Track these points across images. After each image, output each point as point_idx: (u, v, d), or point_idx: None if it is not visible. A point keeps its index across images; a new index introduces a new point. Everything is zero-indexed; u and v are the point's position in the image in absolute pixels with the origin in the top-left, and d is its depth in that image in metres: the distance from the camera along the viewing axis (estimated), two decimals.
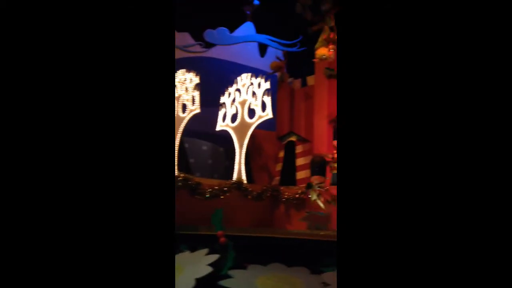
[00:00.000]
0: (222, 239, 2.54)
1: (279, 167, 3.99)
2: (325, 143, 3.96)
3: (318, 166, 3.26)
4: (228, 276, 2.24)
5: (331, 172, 3.62)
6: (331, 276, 2.17)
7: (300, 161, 3.81)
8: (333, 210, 2.47)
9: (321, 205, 2.98)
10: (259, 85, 4.01)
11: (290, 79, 5.15)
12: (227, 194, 3.28)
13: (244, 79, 4.18)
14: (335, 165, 3.62)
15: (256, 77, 4.07)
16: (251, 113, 3.98)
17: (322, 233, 2.70)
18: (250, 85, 4.08)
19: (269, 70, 4.81)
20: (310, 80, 4.86)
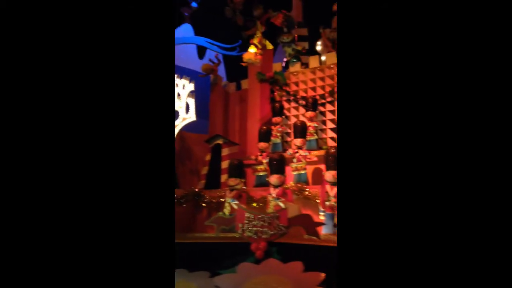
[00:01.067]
0: None
1: (205, 170, 3.92)
2: (257, 146, 3.96)
3: (234, 169, 3.24)
4: None
5: (254, 174, 3.63)
6: (223, 279, 2.13)
7: (225, 164, 3.76)
8: (238, 212, 2.44)
9: (234, 206, 2.96)
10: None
11: (224, 82, 5.13)
12: None
13: None
14: (258, 167, 3.64)
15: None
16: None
17: (230, 235, 2.66)
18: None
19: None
20: (244, 83, 4.88)
